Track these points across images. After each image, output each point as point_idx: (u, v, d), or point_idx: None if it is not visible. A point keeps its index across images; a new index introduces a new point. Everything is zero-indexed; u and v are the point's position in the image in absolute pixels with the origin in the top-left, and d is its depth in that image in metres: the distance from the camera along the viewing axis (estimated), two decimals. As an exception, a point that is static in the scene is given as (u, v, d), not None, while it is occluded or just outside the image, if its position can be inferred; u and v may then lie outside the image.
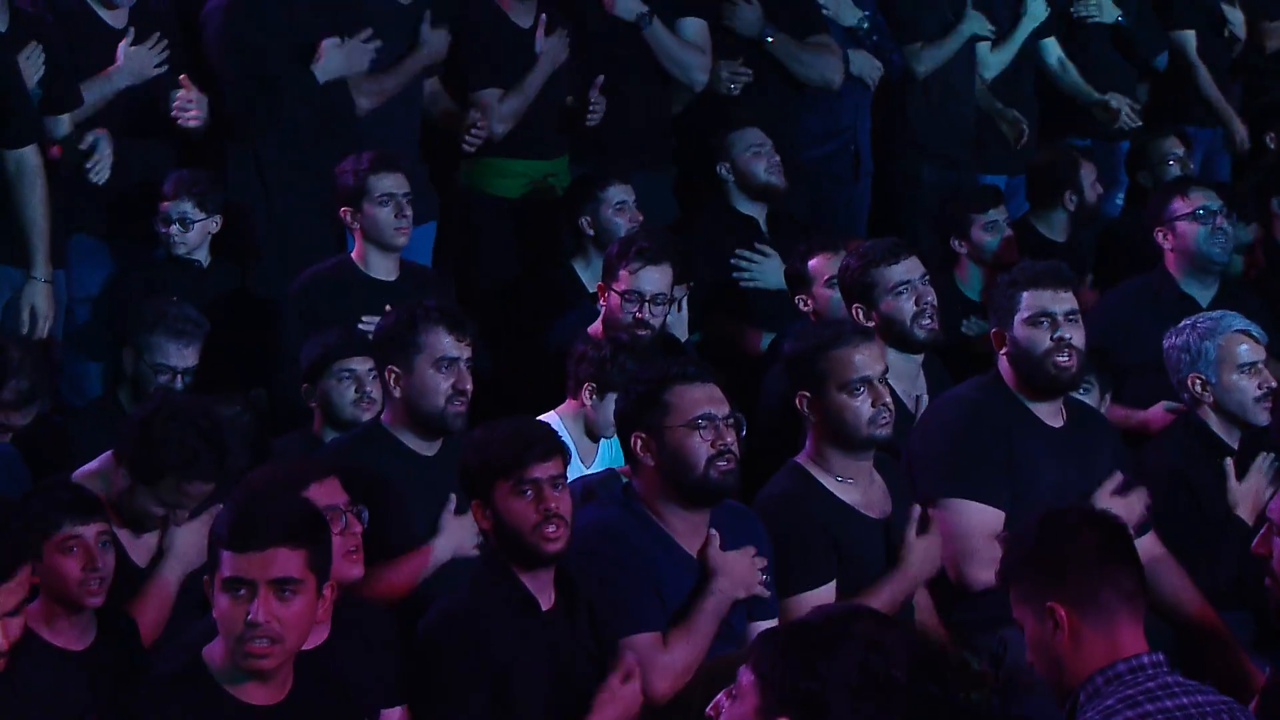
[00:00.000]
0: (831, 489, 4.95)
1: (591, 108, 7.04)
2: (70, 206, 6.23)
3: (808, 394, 4.94)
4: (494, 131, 6.90)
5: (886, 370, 4.99)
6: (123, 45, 6.25)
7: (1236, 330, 5.62)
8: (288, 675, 3.79)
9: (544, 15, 7.05)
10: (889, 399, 4.93)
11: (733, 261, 6.91)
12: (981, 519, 5.11)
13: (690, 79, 7.33)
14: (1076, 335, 5.23)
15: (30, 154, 5.84)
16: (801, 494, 4.93)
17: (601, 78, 7.03)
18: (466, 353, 5.00)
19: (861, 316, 5.62)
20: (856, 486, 4.97)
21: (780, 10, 7.51)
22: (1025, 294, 5.24)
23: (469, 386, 4.98)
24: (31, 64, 5.93)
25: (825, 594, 4.81)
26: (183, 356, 5.69)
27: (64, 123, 6.14)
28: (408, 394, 4.96)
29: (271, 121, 6.51)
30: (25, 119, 5.84)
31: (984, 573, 4.95)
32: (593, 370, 5.56)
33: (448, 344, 4.97)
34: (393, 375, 4.98)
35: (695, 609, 4.57)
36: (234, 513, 3.78)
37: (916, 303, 5.61)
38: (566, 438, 5.32)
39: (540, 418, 5.38)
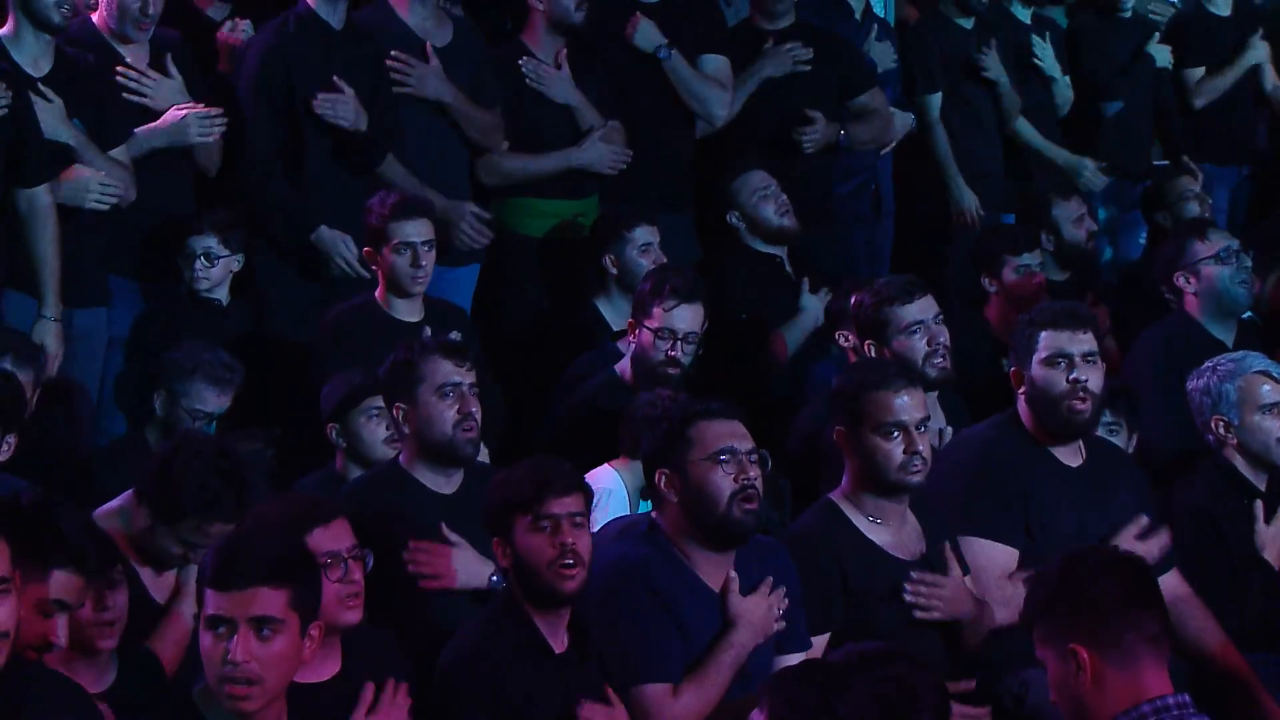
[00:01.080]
0: (861, 528, 4.92)
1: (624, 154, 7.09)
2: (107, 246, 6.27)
3: (845, 430, 4.93)
4: (481, 178, 6.95)
5: (927, 419, 4.94)
6: (174, 109, 6.30)
7: (1257, 371, 5.60)
8: (281, 712, 3.77)
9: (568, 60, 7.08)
10: (924, 447, 4.88)
11: None
12: (993, 557, 5.10)
13: (709, 114, 7.33)
14: (1093, 378, 5.21)
15: (42, 193, 5.86)
16: (826, 532, 4.91)
17: (616, 123, 7.07)
18: (469, 378, 5.01)
19: (873, 354, 5.61)
20: (888, 526, 4.94)
21: (828, 67, 7.51)
22: (1044, 334, 5.23)
23: (475, 410, 4.98)
24: (73, 109, 5.96)
25: (818, 643, 4.79)
26: (220, 403, 5.73)
27: (121, 155, 6.18)
28: (417, 427, 4.97)
29: (294, 168, 6.53)
30: (40, 159, 5.86)
31: (997, 611, 4.95)
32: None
33: (448, 370, 4.97)
34: (401, 412, 4.99)
35: (712, 659, 4.56)
36: (218, 551, 3.77)
37: (929, 343, 5.60)
38: (621, 491, 5.31)
39: (597, 470, 5.40)
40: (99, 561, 4.05)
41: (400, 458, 5.06)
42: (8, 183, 5.81)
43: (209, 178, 6.55)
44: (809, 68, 7.44)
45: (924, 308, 5.64)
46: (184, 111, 6.32)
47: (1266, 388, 5.56)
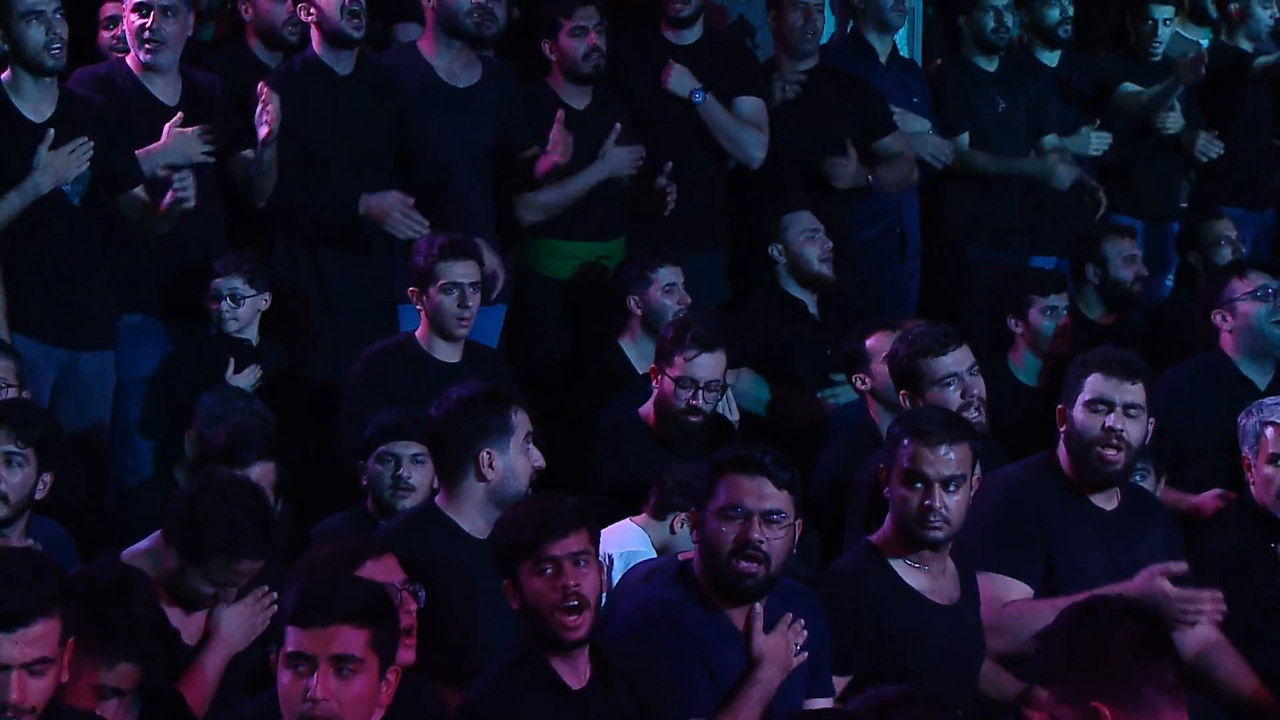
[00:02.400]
0: (900, 571, 4.90)
1: (667, 195, 7.06)
2: (121, 286, 6.28)
3: (884, 471, 4.93)
4: (522, 219, 6.94)
5: (959, 477, 4.86)
6: (170, 125, 6.28)
7: (1271, 421, 5.53)
8: None
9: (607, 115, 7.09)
10: (947, 503, 4.82)
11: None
12: (1005, 592, 5.09)
13: (747, 156, 7.35)
14: (1132, 430, 5.19)
15: None
16: (860, 574, 4.90)
17: (670, 164, 7.06)
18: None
19: (907, 403, 5.60)
20: (926, 571, 4.91)
21: (851, 110, 7.53)
22: (1090, 377, 5.23)
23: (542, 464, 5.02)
24: (77, 156, 5.95)
25: (837, 685, 4.76)
26: None
27: (136, 195, 6.18)
28: (500, 478, 4.92)
29: (320, 205, 6.57)
30: None
31: (1000, 642, 4.96)
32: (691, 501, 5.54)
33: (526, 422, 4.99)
34: (490, 457, 4.91)
35: (741, 697, 4.53)
36: (301, 588, 3.78)
37: (963, 395, 5.58)
38: (647, 549, 5.29)
39: (619, 524, 5.41)
40: (162, 655, 4.07)
41: (438, 499, 5.03)
42: None
43: (247, 221, 6.57)
44: (797, 92, 7.44)
45: (959, 359, 5.62)
46: (188, 130, 6.31)
47: (1270, 432, 5.52)
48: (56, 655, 3.63)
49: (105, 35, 6.76)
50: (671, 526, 5.56)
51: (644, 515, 5.57)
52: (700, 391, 5.99)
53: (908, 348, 5.65)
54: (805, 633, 4.62)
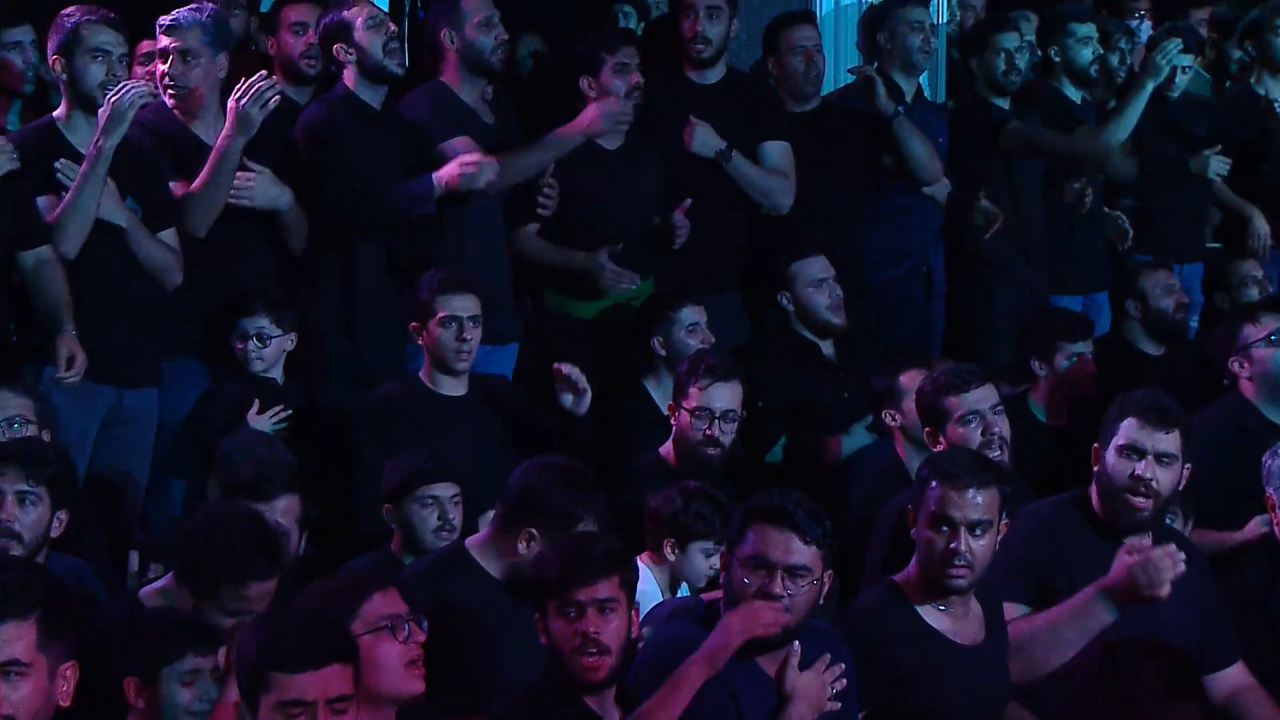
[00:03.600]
0: (921, 611, 4.87)
1: (678, 231, 7.05)
2: (164, 327, 6.31)
3: (912, 511, 4.91)
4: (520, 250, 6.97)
5: (986, 522, 4.82)
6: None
7: None
8: None
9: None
10: (973, 548, 4.78)
11: None
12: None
13: (776, 205, 7.35)
14: (1163, 478, 5.14)
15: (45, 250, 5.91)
16: (878, 613, 4.87)
17: (689, 201, 7.06)
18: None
19: (930, 441, 5.59)
20: (949, 612, 4.88)
21: (856, 149, 7.54)
22: (1126, 422, 5.17)
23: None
24: (128, 189, 6.01)
25: None
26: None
27: (169, 237, 6.22)
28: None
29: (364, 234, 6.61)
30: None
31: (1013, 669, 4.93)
32: (669, 525, 5.51)
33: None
34: (528, 538, 4.93)
35: None
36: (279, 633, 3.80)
37: (984, 433, 5.57)
38: (654, 589, 5.26)
39: None
40: None
41: (469, 540, 5.04)
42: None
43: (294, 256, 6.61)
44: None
45: (981, 397, 5.61)
46: (263, 175, 6.36)
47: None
48: (33, 662, 3.53)
49: (140, 71, 6.78)
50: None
51: (647, 555, 5.54)
52: (717, 422, 5.97)
53: (932, 384, 5.67)
54: (844, 681, 4.58)
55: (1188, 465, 5.23)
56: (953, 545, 4.77)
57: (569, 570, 4.32)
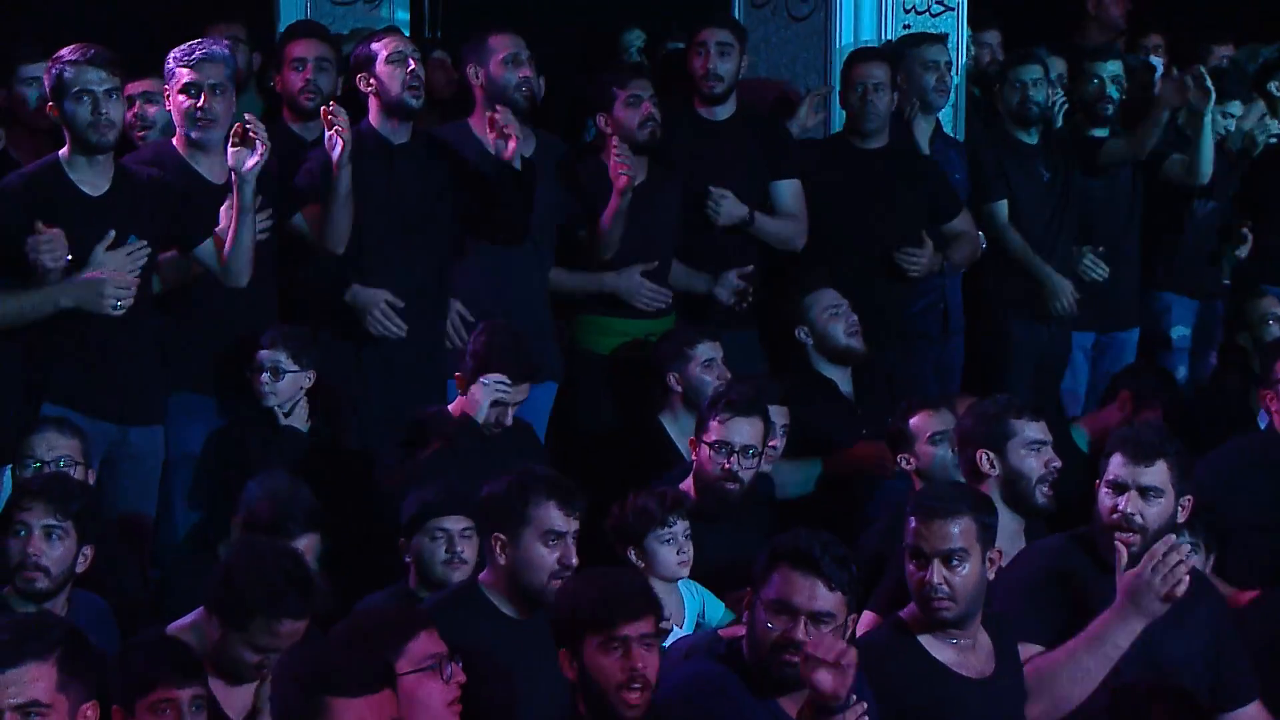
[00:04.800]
0: (926, 644, 4.87)
1: (748, 296, 7.18)
2: (169, 362, 6.30)
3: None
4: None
5: (960, 551, 4.81)
6: (224, 209, 6.27)
7: None
8: None
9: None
10: (948, 579, 4.78)
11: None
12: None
13: (793, 248, 7.41)
14: (1149, 512, 5.11)
15: None
16: (883, 648, 4.86)
17: (751, 268, 7.19)
18: (574, 526, 4.94)
19: (987, 464, 5.55)
20: (955, 645, 4.88)
21: (918, 191, 7.56)
22: (1112, 457, 5.19)
23: (574, 561, 4.91)
24: (132, 260, 5.95)
25: None
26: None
27: (209, 248, 6.20)
28: (512, 564, 4.91)
29: (368, 272, 6.59)
30: None
31: (1035, 709, 4.90)
32: (618, 533, 5.53)
33: (556, 518, 4.91)
34: (499, 543, 4.93)
35: None
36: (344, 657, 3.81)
37: (1045, 465, 5.55)
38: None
39: None
40: None
41: (481, 577, 5.02)
42: None
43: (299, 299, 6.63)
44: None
45: (1046, 430, 5.61)
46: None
47: None
48: (54, 703, 3.63)
49: (127, 115, 6.78)
50: None
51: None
52: (736, 456, 5.95)
53: (996, 406, 5.64)
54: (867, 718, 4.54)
55: (1187, 498, 5.22)
56: (929, 578, 4.79)
57: (615, 604, 4.30)
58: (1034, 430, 5.58)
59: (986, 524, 4.91)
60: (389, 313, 6.58)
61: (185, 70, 6.31)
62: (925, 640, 4.87)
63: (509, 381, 6.15)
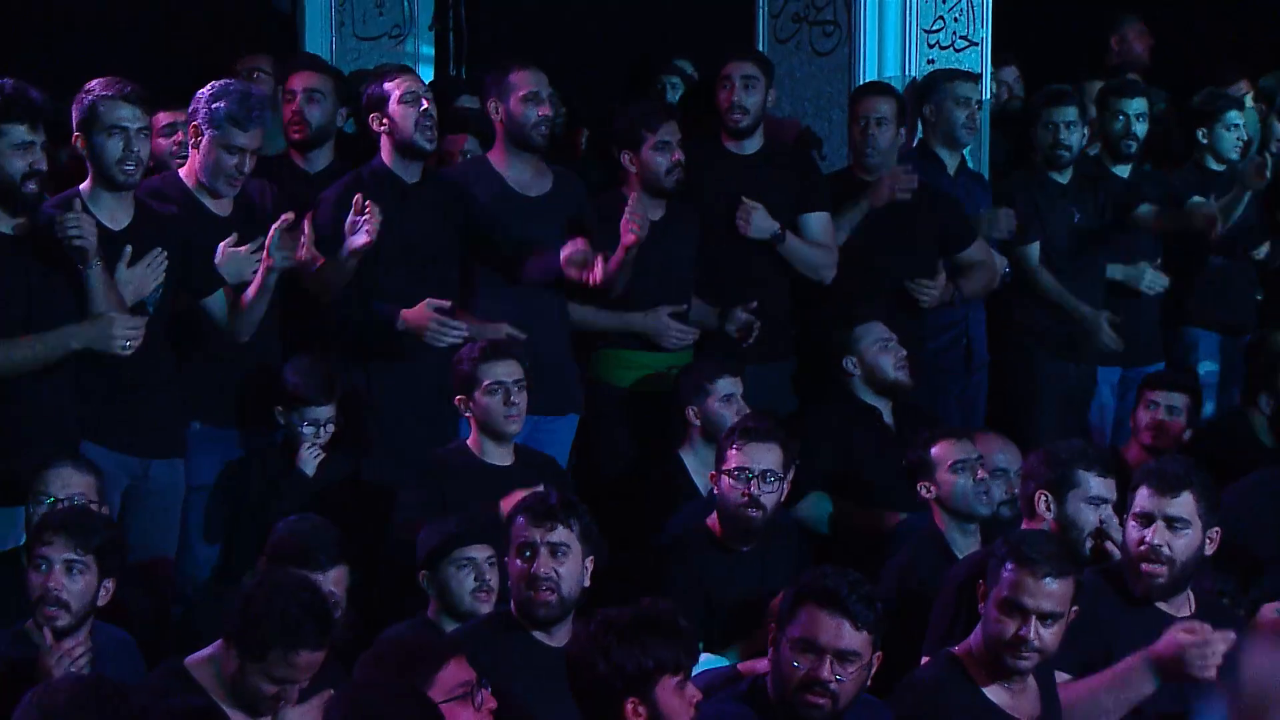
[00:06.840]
0: (983, 687, 4.83)
1: (755, 331, 7.16)
2: (189, 396, 6.31)
3: (984, 586, 4.88)
4: None
5: (1058, 614, 4.79)
6: (224, 245, 6.30)
7: None
8: None
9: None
10: (1042, 635, 4.76)
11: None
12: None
13: (820, 277, 7.38)
14: (1176, 544, 5.12)
15: None
16: (938, 688, 4.83)
17: (756, 303, 7.16)
18: (549, 536, 5.10)
19: (1045, 507, 5.56)
20: (1007, 687, 4.84)
21: (931, 222, 7.54)
22: (1139, 490, 5.18)
23: (543, 572, 5.06)
24: (153, 270, 6.00)
25: None
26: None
27: (219, 299, 6.24)
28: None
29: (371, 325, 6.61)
30: None
31: None
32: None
33: (521, 526, 5.10)
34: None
35: None
36: None
37: (1101, 521, 5.55)
38: None
39: None
40: None
41: (512, 605, 5.06)
42: None
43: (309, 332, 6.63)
44: (909, 197, 7.44)
45: (1111, 488, 5.60)
46: (241, 249, 6.32)
47: None
48: None
49: (163, 143, 6.81)
50: None
51: None
52: (755, 481, 5.94)
53: (1067, 453, 5.63)
54: None
55: (1215, 529, 5.20)
56: (1022, 632, 4.75)
57: (688, 644, 4.29)
58: (1099, 487, 5.58)
59: (1081, 584, 4.91)
60: (445, 321, 6.51)
61: (240, 133, 6.32)
62: (978, 678, 4.83)
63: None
